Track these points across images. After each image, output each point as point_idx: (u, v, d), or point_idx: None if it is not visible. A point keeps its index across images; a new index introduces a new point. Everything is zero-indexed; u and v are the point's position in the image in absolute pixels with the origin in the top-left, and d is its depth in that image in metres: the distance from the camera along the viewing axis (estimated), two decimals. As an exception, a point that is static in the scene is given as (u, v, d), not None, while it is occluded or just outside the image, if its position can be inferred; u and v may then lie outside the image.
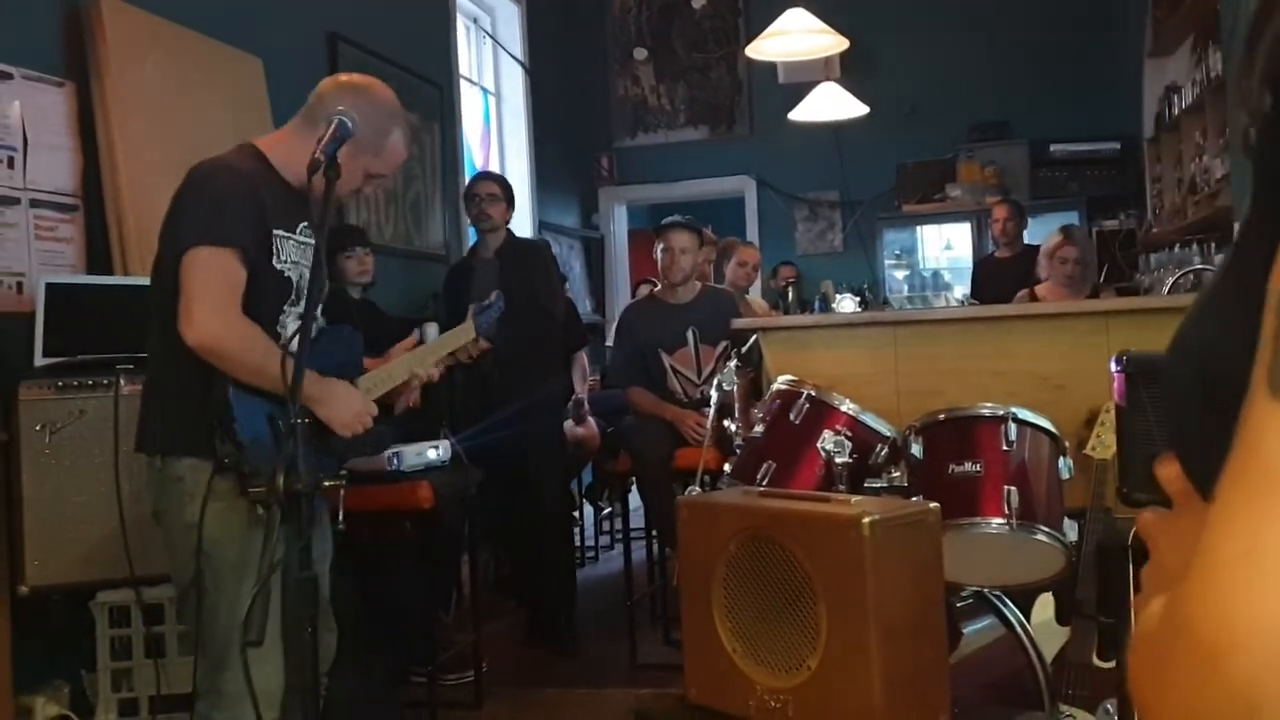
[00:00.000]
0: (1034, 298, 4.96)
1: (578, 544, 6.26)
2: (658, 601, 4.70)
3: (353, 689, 2.93)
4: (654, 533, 4.50)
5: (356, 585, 3.34)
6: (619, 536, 6.02)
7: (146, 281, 3.13)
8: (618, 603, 4.56)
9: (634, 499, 4.75)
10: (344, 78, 2.50)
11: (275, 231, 2.26)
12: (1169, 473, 0.64)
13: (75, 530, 2.78)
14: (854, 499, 2.11)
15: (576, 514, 6.23)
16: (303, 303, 2.27)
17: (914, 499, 2.45)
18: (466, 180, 5.38)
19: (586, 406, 5.50)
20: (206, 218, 2.17)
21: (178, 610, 2.44)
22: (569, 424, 5.12)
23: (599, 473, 6.01)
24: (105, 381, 2.83)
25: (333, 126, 2.12)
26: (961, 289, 6.72)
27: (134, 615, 2.89)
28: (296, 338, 1.89)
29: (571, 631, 4.59)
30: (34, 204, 3.12)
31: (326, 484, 1.80)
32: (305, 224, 2.34)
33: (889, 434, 2.79)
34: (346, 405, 2.28)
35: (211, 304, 2.12)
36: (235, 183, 2.22)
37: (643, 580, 4.78)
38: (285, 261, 2.29)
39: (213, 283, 2.14)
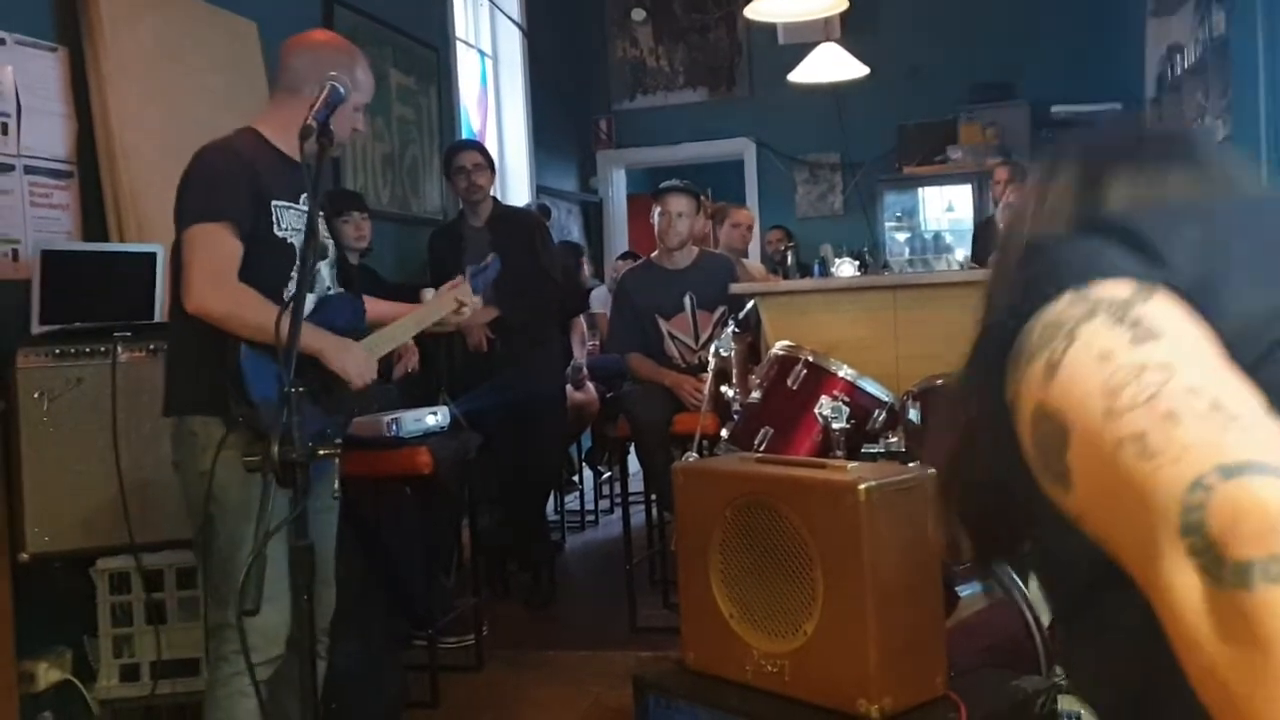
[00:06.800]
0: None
1: (577, 508, 6.29)
2: (656, 565, 4.71)
3: (354, 653, 2.96)
4: (653, 497, 4.52)
5: (358, 550, 3.35)
6: (618, 501, 6.03)
7: (143, 248, 3.16)
8: (617, 566, 4.58)
9: (633, 463, 4.75)
10: (296, 43, 2.55)
11: (275, 202, 2.37)
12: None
13: (75, 497, 2.79)
14: (851, 465, 2.11)
15: (576, 478, 6.26)
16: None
17: (911, 464, 2.45)
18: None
19: (585, 371, 5.51)
20: (198, 197, 2.33)
21: (195, 552, 2.52)
22: (568, 389, 5.13)
23: (598, 437, 6.02)
24: (103, 349, 2.83)
25: (325, 92, 2.10)
26: (963, 251, 6.69)
27: (134, 581, 2.91)
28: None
29: (552, 587, 4.73)
30: (28, 170, 3.10)
31: (322, 452, 1.80)
32: (305, 194, 2.41)
33: (887, 399, 2.79)
34: (356, 356, 2.43)
35: (205, 274, 2.27)
36: (227, 160, 2.36)
37: (642, 544, 4.79)
38: (287, 229, 2.40)
39: (205, 254, 2.29)
